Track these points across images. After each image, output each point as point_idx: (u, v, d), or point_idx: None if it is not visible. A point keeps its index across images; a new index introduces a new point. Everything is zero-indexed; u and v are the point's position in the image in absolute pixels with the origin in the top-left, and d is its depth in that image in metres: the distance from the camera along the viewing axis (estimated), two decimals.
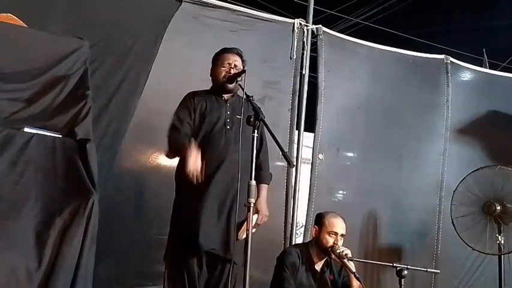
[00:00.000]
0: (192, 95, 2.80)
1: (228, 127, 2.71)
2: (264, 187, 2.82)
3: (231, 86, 2.72)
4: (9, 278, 1.87)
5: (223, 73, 2.75)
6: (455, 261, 4.50)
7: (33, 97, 2.29)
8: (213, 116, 2.73)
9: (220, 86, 2.77)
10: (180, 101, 2.81)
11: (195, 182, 2.49)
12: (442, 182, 4.53)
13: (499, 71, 5.79)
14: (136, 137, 3.49)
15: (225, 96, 2.80)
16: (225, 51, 2.83)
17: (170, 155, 2.75)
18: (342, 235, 2.96)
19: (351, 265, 2.85)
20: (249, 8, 4.11)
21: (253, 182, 2.25)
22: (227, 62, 2.77)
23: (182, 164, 2.73)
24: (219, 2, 3.83)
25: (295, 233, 3.96)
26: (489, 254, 3.95)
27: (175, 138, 2.67)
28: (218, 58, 2.83)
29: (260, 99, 3.77)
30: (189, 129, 2.70)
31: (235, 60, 2.78)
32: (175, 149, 2.66)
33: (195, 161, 2.48)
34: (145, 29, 3.47)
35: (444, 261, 4.44)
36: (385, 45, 4.51)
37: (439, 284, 4.39)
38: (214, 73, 2.82)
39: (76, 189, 2.11)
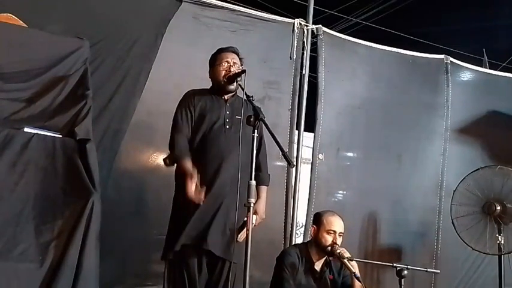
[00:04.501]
0: (191, 94, 2.79)
1: (228, 127, 2.70)
2: (264, 189, 2.81)
3: (231, 86, 2.71)
4: (10, 279, 1.88)
5: (223, 72, 2.73)
6: (455, 261, 4.50)
7: (33, 97, 2.30)
8: (213, 115, 2.72)
9: (221, 86, 2.75)
10: (180, 100, 2.81)
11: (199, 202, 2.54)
12: (442, 182, 4.53)
13: (499, 71, 5.79)
14: (136, 137, 3.49)
15: (225, 96, 2.79)
16: (222, 50, 2.81)
17: (169, 163, 2.73)
18: (340, 233, 2.96)
19: (354, 265, 2.85)
20: (249, 8, 4.10)
21: (253, 182, 2.25)
22: (225, 60, 2.75)
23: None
24: (219, 2, 3.82)
25: (295, 233, 3.97)
26: (489, 254, 3.95)
27: (176, 149, 2.66)
28: (216, 58, 2.80)
29: (260, 99, 3.78)
30: (189, 133, 2.71)
31: (233, 58, 2.77)
32: (174, 162, 2.68)
33: (193, 191, 2.51)
34: (145, 29, 3.47)
35: (444, 261, 4.44)
36: (385, 45, 4.51)
37: (439, 284, 4.40)
38: (214, 74, 2.79)
39: (76, 189, 2.11)
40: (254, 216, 2.68)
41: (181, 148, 2.65)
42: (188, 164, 2.57)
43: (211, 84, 2.84)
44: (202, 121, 2.70)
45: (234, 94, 2.80)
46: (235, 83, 2.68)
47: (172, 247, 2.58)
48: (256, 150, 2.37)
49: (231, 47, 2.82)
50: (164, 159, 2.78)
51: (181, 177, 2.62)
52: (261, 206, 2.77)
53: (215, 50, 2.85)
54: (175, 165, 2.72)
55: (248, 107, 2.57)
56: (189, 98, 2.77)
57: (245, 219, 2.29)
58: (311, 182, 4.02)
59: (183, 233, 2.56)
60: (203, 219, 2.57)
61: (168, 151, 2.73)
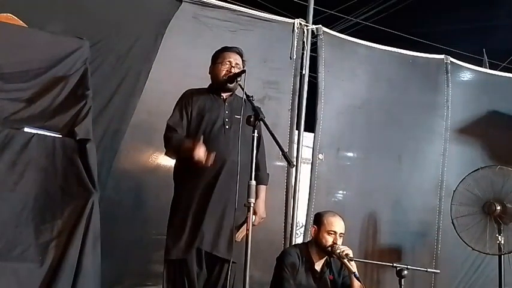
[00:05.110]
0: (189, 94, 2.78)
1: (227, 127, 2.70)
2: (263, 188, 2.81)
3: (230, 85, 2.71)
4: (10, 279, 1.88)
5: (224, 71, 2.73)
6: (455, 261, 4.50)
7: (33, 97, 2.30)
8: (212, 114, 2.71)
9: (220, 84, 2.75)
10: (178, 99, 2.80)
11: (208, 164, 2.49)
12: (442, 182, 4.53)
13: (499, 71, 5.79)
14: (136, 137, 3.49)
15: (224, 95, 2.78)
16: (226, 49, 2.81)
17: (170, 154, 2.73)
18: (341, 234, 2.96)
19: (353, 265, 2.85)
20: (249, 8, 4.11)
21: (253, 182, 2.25)
22: (228, 60, 2.75)
23: (180, 164, 2.73)
24: (219, 2, 3.83)
25: (295, 233, 3.97)
26: (489, 254, 3.95)
27: (173, 138, 2.66)
28: (218, 56, 2.80)
29: (260, 99, 3.78)
30: (183, 133, 2.71)
31: (236, 59, 2.76)
32: (175, 146, 2.65)
33: (199, 150, 2.47)
34: (145, 29, 3.47)
35: (444, 261, 4.44)
36: (385, 45, 4.51)
37: (439, 284, 4.39)
38: (214, 71, 2.79)
39: (76, 189, 2.11)
40: (254, 216, 2.68)
41: (176, 137, 2.66)
42: (190, 141, 2.57)
43: (210, 82, 2.83)
44: (201, 121, 2.70)
45: (233, 93, 2.80)
46: (234, 82, 2.68)
47: (176, 249, 2.57)
48: (256, 150, 2.38)
49: (235, 47, 2.82)
50: (167, 154, 2.75)
51: (181, 177, 2.63)
52: (260, 206, 2.77)
53: (219, 48, 2.84)
54: (175, 163, 2.73)
55: (247, 107, 2.57)
56: (187, 97, 2.76)
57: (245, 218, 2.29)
58: (311, 182, 4.02)
59: (187, 235, 2.55)
60: (204, 220, 2.57)
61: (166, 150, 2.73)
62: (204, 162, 2.48)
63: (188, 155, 2.51)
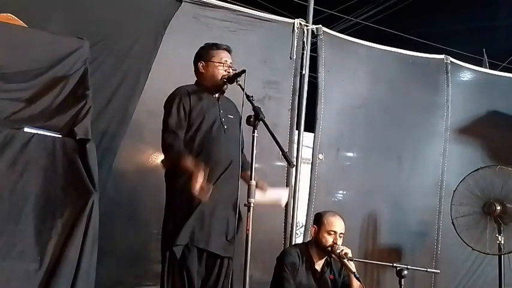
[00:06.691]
0: (186, 91, 2.71)
1: (226, 127, 2.68)
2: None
3: (225, 86, 2.70)
4: (9, 278, 1.88)
5: (223, 73, 2.69)
6: (455, 261, 4.50)
7: (33, 97, 2.29)
8: (211, 115, 2.67)
9: (218, 85, 2.72)
10: (170, 96, 2.74)
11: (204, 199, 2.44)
12: (442, 182, 4.53)
13: (499, 71, 5.80)
14: (136, 137, 3.48)
15: (216, 95, 2.75)
16: (219, 47, 2.76)
17: (166, 163, 2.64)
18: (341, 234, 2.97)
19: (351, 265, 2.85)
20: (249, 8, 4.10)
21: (254, 182, 2.25)
22: (225, 59, 2.72)
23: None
24: (219, 2, 3.83)
25: (295, 233, 3.97)
26: (489, 254, 3.96)
27: (174, 148, 2.58)
28: (213, 55, 2.75)
29: (260, 99, 3.78)
30: (182, 134, 2.63)
31: (230, 58, 2.74)
32: (174, 159, 2.57)
33: (201, 186, 2.41)
34: (145, 29, 3.47)
35: (444, 261, 4.44)
36: (385, 45, 4.51)
37: (439, 284, 4.40)
38: (211, 71, 2.73)
39: (76, 189, 2.11)
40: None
41: (180, 148, 2.58)
42: (191, 160, 2.50)
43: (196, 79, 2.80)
44: (201, 121, 2.65)
45: (223, 93, 2.77)
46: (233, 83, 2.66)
47: (174, 249, 2.55)
48: (242, 148, 2.38)
49: (227, 45, 2.79)
50: (162, 161, 2.71)
51: (182, 175, 2.60)
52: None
53: (208, 45, 2.80)
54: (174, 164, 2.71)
55: (237, 107, 2.58)
56: (183, 95, 2.69)
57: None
58: (311, 182, 4.02)
59: (186, 235, 2.53)
60: (207, 220, 2.55)
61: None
62: (199, 195, 2.42)
63: (186, 176, 2.46)
